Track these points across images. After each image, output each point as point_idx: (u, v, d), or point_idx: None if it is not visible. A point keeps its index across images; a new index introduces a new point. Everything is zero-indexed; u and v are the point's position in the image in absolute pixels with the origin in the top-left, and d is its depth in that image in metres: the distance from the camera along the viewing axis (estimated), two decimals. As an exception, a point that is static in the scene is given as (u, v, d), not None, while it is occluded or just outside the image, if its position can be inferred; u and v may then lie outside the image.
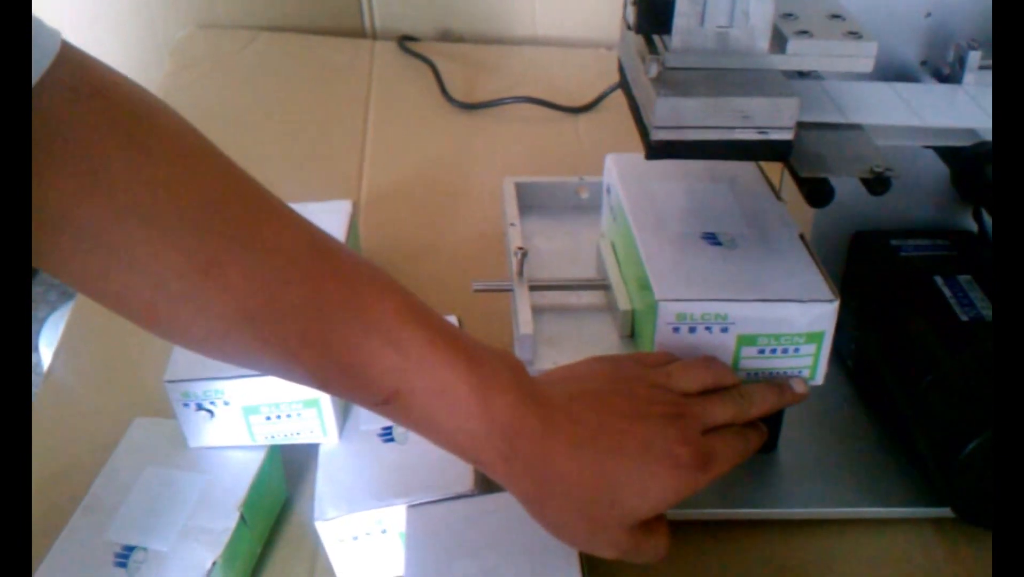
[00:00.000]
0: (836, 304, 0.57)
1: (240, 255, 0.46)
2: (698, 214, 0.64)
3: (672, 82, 0.53)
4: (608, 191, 0.70)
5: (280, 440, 0.63)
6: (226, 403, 0.61)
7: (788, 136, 0.53)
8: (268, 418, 0.62)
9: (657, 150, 0.54)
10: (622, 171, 0.68)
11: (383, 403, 0.48)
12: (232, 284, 0.45)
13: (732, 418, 0.56)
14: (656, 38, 0.56)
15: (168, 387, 0.61)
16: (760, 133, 0.53)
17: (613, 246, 0.68)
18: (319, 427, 0.63)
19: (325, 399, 0.62)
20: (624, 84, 0.61)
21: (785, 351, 0.58)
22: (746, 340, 0.57)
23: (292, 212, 0.49)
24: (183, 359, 0.62)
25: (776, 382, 0.59)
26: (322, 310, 0.46)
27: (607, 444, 0.51)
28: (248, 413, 0.62)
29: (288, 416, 0.62)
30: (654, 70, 0.53)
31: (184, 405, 0.61)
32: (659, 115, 0.52)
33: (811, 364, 0.59)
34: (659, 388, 0.55)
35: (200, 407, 0.61)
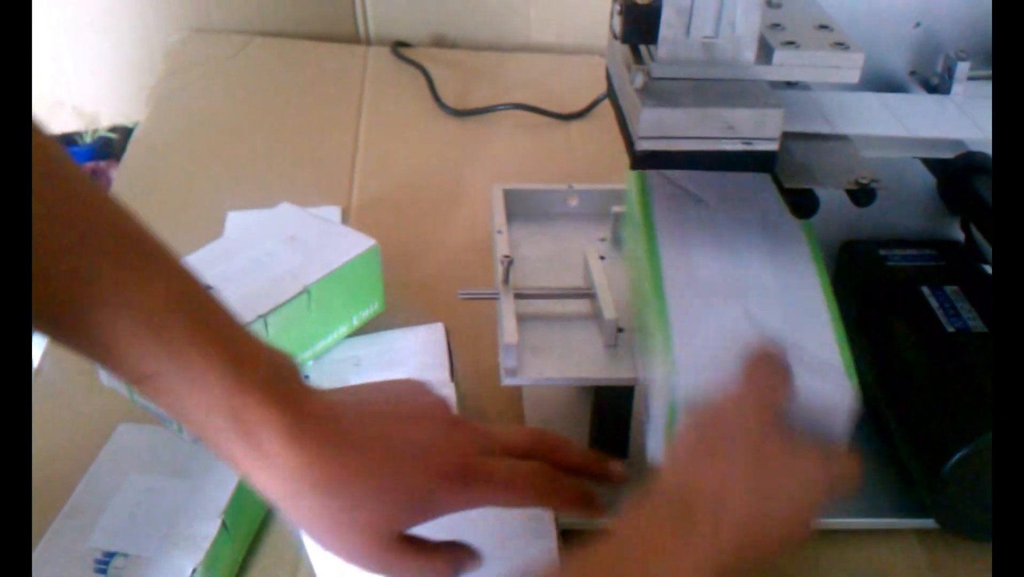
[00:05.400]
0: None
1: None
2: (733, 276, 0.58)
3: (657, 92, 0.53)
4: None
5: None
6: None
7: (773, 147, 0.53)
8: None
9: (642, 160, 0.54)
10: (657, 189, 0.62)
11: (134, 383, 0.47)
12: None
13: (526, 445, 0.54)
14: (642, 48, 0.56)
15: None
16: (745, 144, 0.53)
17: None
18: None
19: None
20: (611, 93, 0.61)
21: None
22: None
23: (77, 179, 0.47)
24: None
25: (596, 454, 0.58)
26: (89, 280, 0.44)
27: (356, 444, 0.49)
28: None
29: None
30: (639, 80, 0.53)
31: None
32: (644, 126, 0.52)
33: None
34: (452, 415, 0.54)
35: None
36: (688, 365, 0.53)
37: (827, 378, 0.53)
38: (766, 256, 0.58)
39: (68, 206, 0.45)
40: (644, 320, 0.58)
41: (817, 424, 0.53)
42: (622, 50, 0.57)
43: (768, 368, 0.53)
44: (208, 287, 0.62)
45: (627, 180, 0.65)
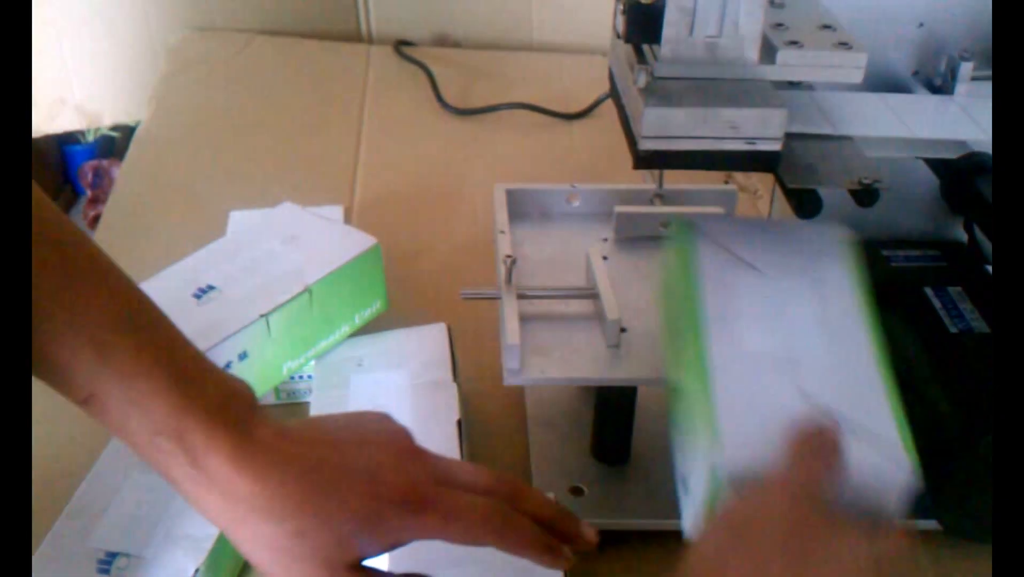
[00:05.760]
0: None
1: None
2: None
3: (660, 92, 0.53)
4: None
5: None
6: None
7: (776, 147, 0.53)
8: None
9: (645, 160, 0.53)
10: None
11: (80, 403, 0.47)
12: None
13: (488, 484, 0.51)
14: (645, 47, 0.56)
15: None
16: (748, 144, 0.53)
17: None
18: None
19: None
20: (614, 93, 0.61)
21: None
22: None
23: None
24: None
25: (564, 508, 0.54)
26: (34, 295, 0.44)
27: (303, 469, 0.47)
28: None
29: None
30: (643, 80, 0.52)
31: None
32: (647, 125, 0.52)
33: None
34: (409, 444, 0.52)
35: None
36: (734, 441, 0.48)
37: (882, 452, 0.49)
38: (819, 327, 0.54)
39: None
40: (685, 390, 0.54)
41: (870, 499, 0.48)
42: (625, 49, 0.57)
43: (816, 443, 0.48)
44: (209, 286, 0.62)
45: (671, 240, 0.59)
